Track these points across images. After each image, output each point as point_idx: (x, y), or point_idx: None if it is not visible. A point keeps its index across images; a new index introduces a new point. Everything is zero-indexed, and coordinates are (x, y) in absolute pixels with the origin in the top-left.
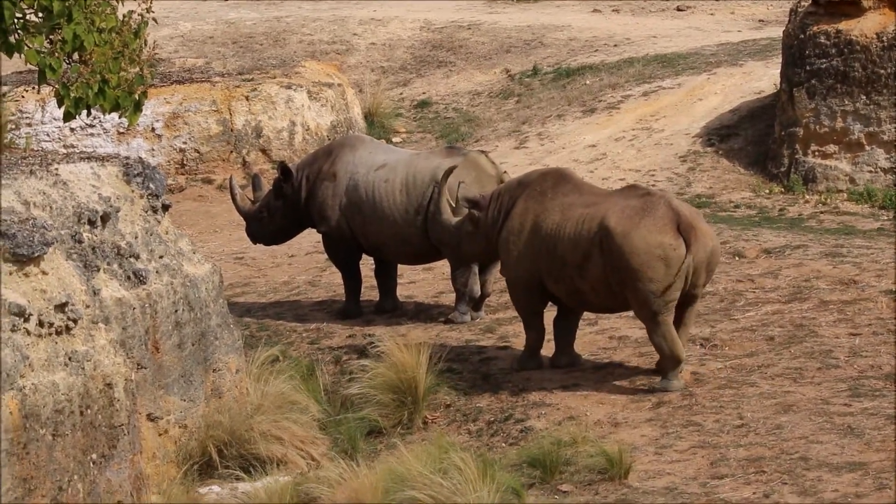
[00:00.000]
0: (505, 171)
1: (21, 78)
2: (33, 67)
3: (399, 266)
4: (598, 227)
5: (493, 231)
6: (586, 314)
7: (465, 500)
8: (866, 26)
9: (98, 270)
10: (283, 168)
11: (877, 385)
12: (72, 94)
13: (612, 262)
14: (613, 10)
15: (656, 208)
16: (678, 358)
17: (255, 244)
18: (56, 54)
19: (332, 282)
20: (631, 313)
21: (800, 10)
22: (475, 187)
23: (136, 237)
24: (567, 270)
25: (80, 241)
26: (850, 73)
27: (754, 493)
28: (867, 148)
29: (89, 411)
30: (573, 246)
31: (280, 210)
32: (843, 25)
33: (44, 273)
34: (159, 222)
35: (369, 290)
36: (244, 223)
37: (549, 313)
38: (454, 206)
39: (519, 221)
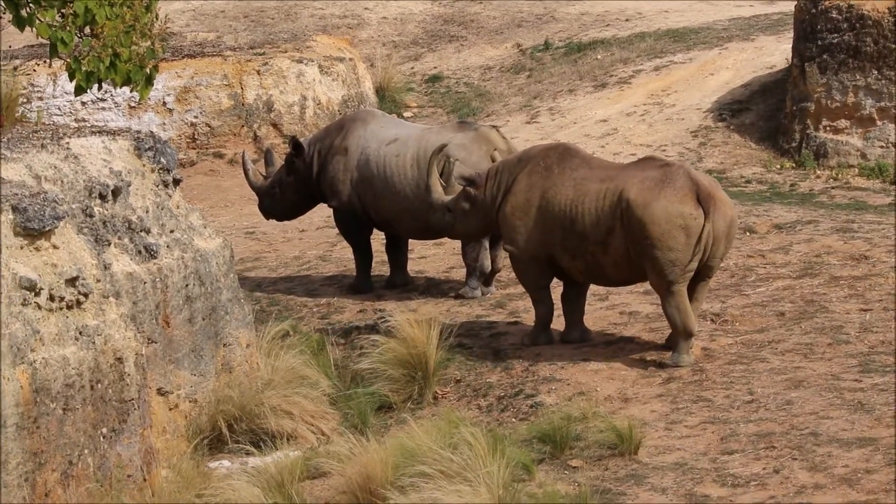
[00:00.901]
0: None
1: (32, 52)
2: (45, 41)
3: (410, 241)
4: (618, 199)
5: (492, 208)
6: (596, 289)
7: (475, 475)
8: (878, 1)
9: (109, 244)
10: (295, 143)
11: (887, 361)
12: (83, 68)
13: (632, 234)
14: None
15: (676, 179)
16: (690, 331)
17: (268, 220)
18: (67, 28)
19: (342, 257)
20: (642, 288)
21: None
22: (486, 162)
23: (146, 211)
24: (588, 246)
25: (91, 216)
26: (862, 48)
27: (764, 469)
28: (879, 123)
29: (100, 385)
30: (595, 221)
31: (292, 185)
32: (856, 0)
33: (55, 247)
34: (170, 196)
35: (380, 265)
36: (256, 198)
37: (556, 289)
38: (445, 185)
39: (524, 197)
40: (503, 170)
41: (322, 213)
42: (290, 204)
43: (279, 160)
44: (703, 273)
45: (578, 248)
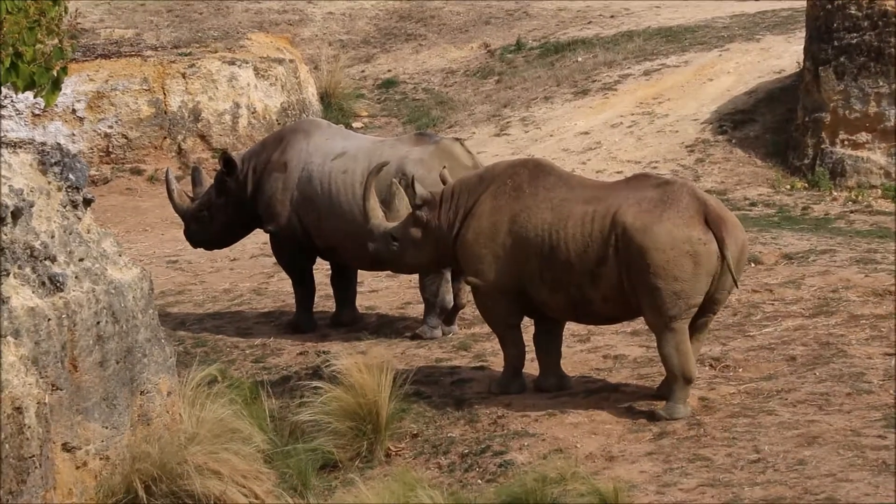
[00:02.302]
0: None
1: None
2: None
3: (360, 272)
4: (611, 224)
5: (448, 235)
6: (575, 328)
7: None
8: None
9: (7, 275)
10: (226, 159)
11: None
12: None
13: (630, 263)
14: None
15: (679, 199)
16: (689, 376)
17: (195, 248)
18: None
19: (280, 290)
20: (629, 328)
21: None
22: (449, 180)
23: (52, 236)
24: (573, 278)
25: None
26: (885, 50)
27: None
28: None
29: None
30: (582, 250)
31: (223, 208)
32: None
33: None
34: (80, 219)
35: (324, 299)
36: (181, 223)
37: (528, 329)
38: (385, 209)
39: (490, 221)
40: (461, 190)
41: (257, 240)
42: (221, 229)
43: (208, 179)
44: (707, 308)
45: (560, 281)
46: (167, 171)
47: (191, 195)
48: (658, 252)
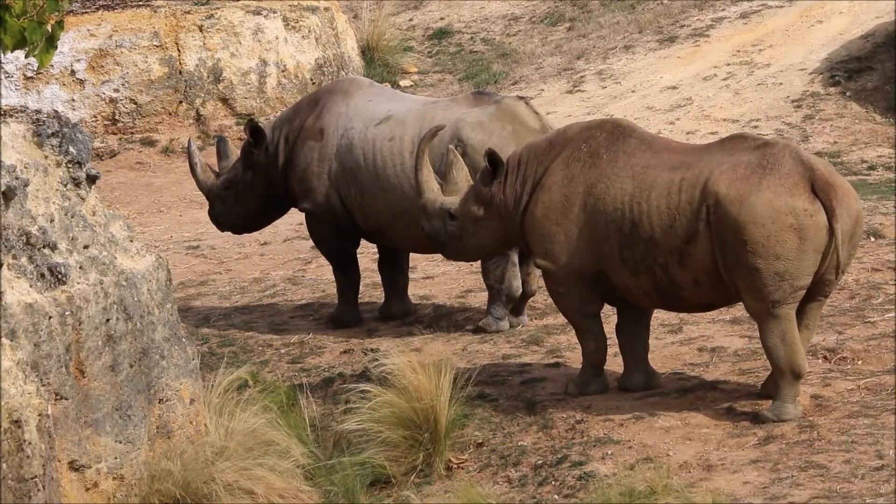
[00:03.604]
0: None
1: None
2: None
3: (412, 256)
4: (701, 194)
5: (515, 211)
6: (665, 316)
7: None
8: None
9: (0, 266)
10: (253, 127)
11: None
12: None
13: (723, 239)
14: None
15: (781, 163)
16: (798, 370)
17: (222, 231)
18: None
19: (319, 278)
20: (728, 315)
21: None
22: (513, 145)
23: (51, 220)
24: (657, 257)
25: None
26: None
27: None
28: None
29: None
30: (667, 224)
31: (251, 185)
32: None
33: None
34: (83, 200)
35: (371, 288)
36: (205, 202)
37: (610, 318)
38: (444, 182)
39: (562, 194)
40: (529, 158)
41: (292, 220)
42: (250, 210)
43: (235, 150)
44: (816, 291)
45: (643, 261)
46: (189, 141)
47: (216, 170)
48: (756, 226)
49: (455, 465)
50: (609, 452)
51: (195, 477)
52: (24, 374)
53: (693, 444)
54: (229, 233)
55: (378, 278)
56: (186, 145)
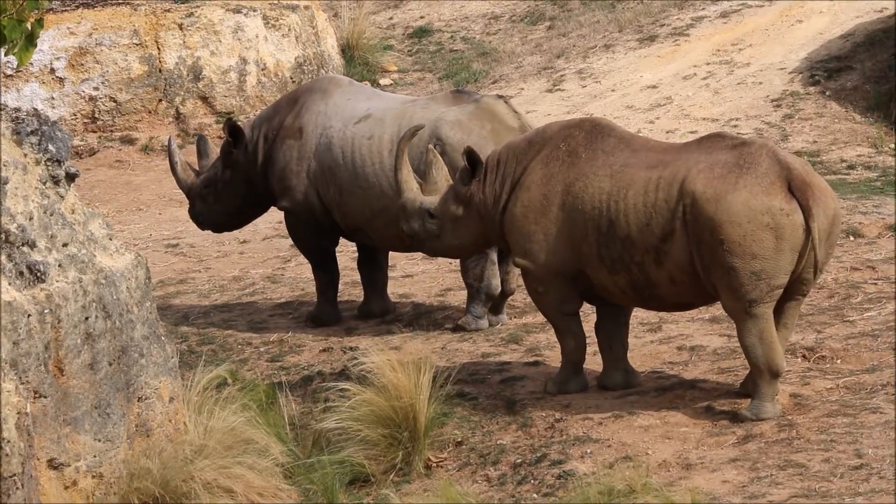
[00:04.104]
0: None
1: None
2: None
3: (391, 254)
4: (679, 192)
5: (494, 210)
6: (644, 315)
7: None
8: None
9: None
10: (232, 126)
11: None
12: None
13: (700, 238)
14: None
15: (757, 162)
16: (776, 369)
17: (203, 230)
18: None
19: (298, 276)
20: (707, 314)
21: None
22: (492, 145)
23: (30, 218)
24: (634, 256)
25: None
26: None
27: None
28: None
29: None
30: (644, 222)
31: (230, 184)
32: None
33: None
34: (62, 198)
35: (350, 286)
36: (184, 200)
37: (589, 317)
38: (422, 181)
39: (541, 193)
40: (508, 157)
41: (271, 219)
42: (230, 208)
43: (215, 149)
44: (794, 290)
45: (620, 259)
46: (169, 139)
47: (196, 168)
48: (733, 225)
49: (434, 464)
50: (588, 451)
51: (174, 475)
52: (2, 373)
53: (672, 442)
54: (209, 231)
55: (357, 276)
56: (166, 144)
